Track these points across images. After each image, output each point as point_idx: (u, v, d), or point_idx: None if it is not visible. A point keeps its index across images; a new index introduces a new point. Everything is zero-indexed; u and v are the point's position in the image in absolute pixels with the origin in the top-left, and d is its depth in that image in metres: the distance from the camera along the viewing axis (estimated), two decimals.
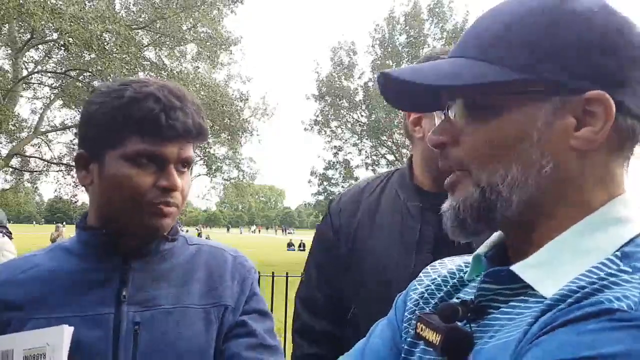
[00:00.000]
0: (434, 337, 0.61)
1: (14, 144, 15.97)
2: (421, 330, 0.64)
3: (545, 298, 0.53)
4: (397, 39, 23.36)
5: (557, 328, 0.47)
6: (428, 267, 0.79)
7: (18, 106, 16.01)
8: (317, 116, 24.08)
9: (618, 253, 0.53)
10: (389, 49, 23.16)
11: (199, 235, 27.00)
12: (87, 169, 1.00)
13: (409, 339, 0.70)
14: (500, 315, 0.58)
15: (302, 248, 31.11)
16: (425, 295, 0.73)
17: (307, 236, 52.44)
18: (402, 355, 0.70)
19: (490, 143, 0.59)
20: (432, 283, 0.74)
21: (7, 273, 0.99)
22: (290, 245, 32.96)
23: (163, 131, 0.94)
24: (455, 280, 0.71)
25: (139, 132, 0.94)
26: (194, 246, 1.11)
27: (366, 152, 24.08)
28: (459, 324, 0.61)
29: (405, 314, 0.75)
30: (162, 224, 0.96)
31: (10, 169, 16.54)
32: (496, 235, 0.67)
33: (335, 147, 24.42)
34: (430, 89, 0.61)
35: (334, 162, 24.60)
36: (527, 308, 0.55)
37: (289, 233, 71.83)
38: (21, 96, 16.55)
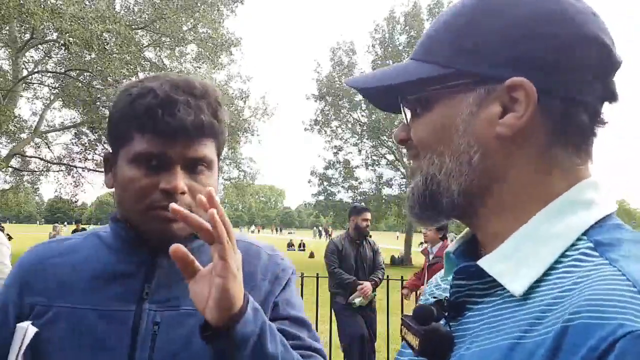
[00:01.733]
0: (413, 340, 0.61)
1: (14, 144, 15.97)
2: (404, 334, 0.64)
3: (514, 295, 0.52)
4: (397, 39, 23.38)
5: None
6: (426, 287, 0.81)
7: (18, 107, 16.00)
8: (317, 116, 24.08)
9: (591, 244, 0.51)
10: (389, 49, 23.17)
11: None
12: (112, 171, 0.98)
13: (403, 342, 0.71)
14: (478, 316, 0.57)
15: (302, 248, 31.06)
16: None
17: (307, 236, 52.33)
18: (396, 356, 0.71)
19: (426, 136, 0.62)
20: (430, 291, 0.76)
21: (39, 257, 0.99)
22: (290, 245, 32.91)
23: (160, 128, 0.89)
24: (444, 284, 0.72)
25: (139, 130, 0.90)
26: None
27: (366, 152, 24.09)
28: (441, 323, 0.60)
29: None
30: (171, 229, 0.91)
31: (11, 169, 16.53)
32: (466, 230, 0.68)
33: (335, 147, 24.43)
34: (364, 91, 0.66)
35: (334, 162, 24.59)
36: (505, 310, 0.53)
37: (289, 233, 71.94)
38: (21, 96, 16.55)
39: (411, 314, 0.64)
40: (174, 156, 0.90)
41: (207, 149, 0.94)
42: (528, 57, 0.55)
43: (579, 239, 0.53)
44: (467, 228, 0.67)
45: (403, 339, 0.65)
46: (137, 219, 0.93)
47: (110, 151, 0.99)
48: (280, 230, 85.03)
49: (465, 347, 0.56)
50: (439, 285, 0.74)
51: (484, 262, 0.56)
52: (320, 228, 63.60)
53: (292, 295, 1.03)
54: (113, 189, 0.98)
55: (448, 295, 0.61)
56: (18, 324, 0.90)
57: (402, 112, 0.66)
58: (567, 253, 0.52)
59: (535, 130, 0.56)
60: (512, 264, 0.54)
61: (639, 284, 0.44)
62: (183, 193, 0.90)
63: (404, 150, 0.70)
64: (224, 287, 0.74)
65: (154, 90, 0.90)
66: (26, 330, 0.89)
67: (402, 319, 0.65)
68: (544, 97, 0.55)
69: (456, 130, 0.58)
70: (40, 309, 0.92)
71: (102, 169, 1.03)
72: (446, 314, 0.60)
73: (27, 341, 0.88)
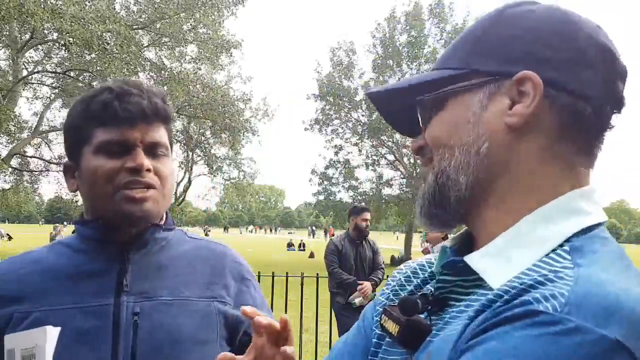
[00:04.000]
0: (393, 328, 0.63)
1: (14, 144, 15.97)
2: (384, 322, 0.65)
3: (492, 289, 0.53)
4: (398, 39, 23.36)
5: (488, 331, 0.48)
6: (402, 264, 0.82)
7: (18, 107, 16.00)
8: (318, 115, 24.07)
9: (567, 247, 0.54)
10: (390, 49, 23.16)
11: (207, 234, 26.92)
12: (73, 177, 1.04)
13: (377, 332, 0.72)
14: (456, 308, 0.59)
15: (302, 248, 31.04)
16: (397, 288, 0.75)
17: (306, 236, 52.37)
18: (372, 348, 0.71)
19: (438, 133, 0.64)
20: (403, 276, 0.77)
21: (7, 269, 1.01)
22: (290, 245, 32.89)
23: (118, 117, 0.96)
24: (426, 274, 0.73)
25: (99, 123, 0.98)
26: (194, 240, 1.13)
27: (366, 151, 24.08)
28: (422, 316, 0.62)
29: (377, 307, 0.76)
30: (140, 209, 0.96)
31: (11, 169, 16.53)
32: (465, 229, 0.69)
33: (335, 146, 24.42)
34: (384, 94, 0.69)
35: (334, 162, 24.58)
36: (475, 300, 0.55)
37: (289, 233, 72.01)
38: (21, 96, 16.55)
39: (396, 305, 0.65)
40: (135, 140, 0.97)
41: (163, 134, 1.02)
42: (538, 55, 0.58)
43: (561, 245, 0.54)
44: (465, 228, 0.68)
45: (382, 326, 0.66)
46: (106, 205, 0.97)
47: (68, 160, 1.05)
48: (277, 230, 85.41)
49: (434, 335, 0.58)
50: (409, 277, 0.75)
51: (469, 258, 0.58)
52: (314, 228, 64.13)
53: (256, 297, 1.11)
54: (78, 191, 1.04)
55: (433, 289, 0.64)
56: (33, 330, 0.90)
57: (419, 119, 0.67)
58: (548, 256, 0.54)
59: (543, 122, 0.58)
60: (495, 262, 0.56)
61: (579, 282, 0.47)
62: (148, 170, 0.97)
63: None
64: None
65: (108, 88, 0.99)
66: (47, 333, 0.88)
67: (384, 308, 0.67)
68: (551, 90, 0.57)
69: (466, 123, 0.61)
70: (18, 316, 0.93)
71: None
72: (429, 307, 0.62)
73: (54, 342, 0.88)
